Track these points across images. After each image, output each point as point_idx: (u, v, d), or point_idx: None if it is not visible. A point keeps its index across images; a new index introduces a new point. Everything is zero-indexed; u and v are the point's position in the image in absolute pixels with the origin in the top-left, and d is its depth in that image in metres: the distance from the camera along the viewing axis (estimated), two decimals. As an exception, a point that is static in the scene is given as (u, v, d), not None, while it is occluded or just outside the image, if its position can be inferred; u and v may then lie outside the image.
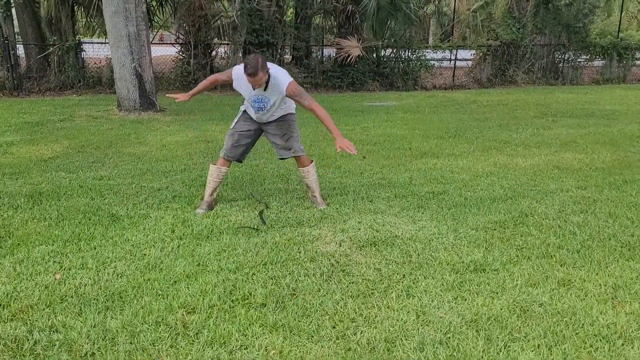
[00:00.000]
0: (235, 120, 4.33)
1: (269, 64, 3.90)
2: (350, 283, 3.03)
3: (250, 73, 3.69)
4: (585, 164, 5.88)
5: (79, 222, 3.87)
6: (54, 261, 3.24)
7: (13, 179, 4.95)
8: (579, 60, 15.84)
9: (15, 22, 11.97)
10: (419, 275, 3.12)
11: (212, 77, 4.26)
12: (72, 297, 2.82)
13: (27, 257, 3.29)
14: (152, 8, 12.53)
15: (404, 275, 3.12)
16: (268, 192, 4.69)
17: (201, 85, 4.32)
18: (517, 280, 3.07)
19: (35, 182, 4.84)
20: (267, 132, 4.33)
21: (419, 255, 3.39)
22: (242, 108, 4.32)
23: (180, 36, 11.93)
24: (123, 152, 6.19)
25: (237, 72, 3.97)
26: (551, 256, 3.41)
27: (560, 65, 15.72)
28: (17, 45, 11.52)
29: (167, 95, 4.08)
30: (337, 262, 3.28)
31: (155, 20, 12.96)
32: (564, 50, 15.61)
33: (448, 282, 3.03)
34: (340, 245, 3.53)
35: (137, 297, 2.84)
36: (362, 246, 3.52)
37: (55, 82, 11.21)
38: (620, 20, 18.18)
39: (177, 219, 3.98)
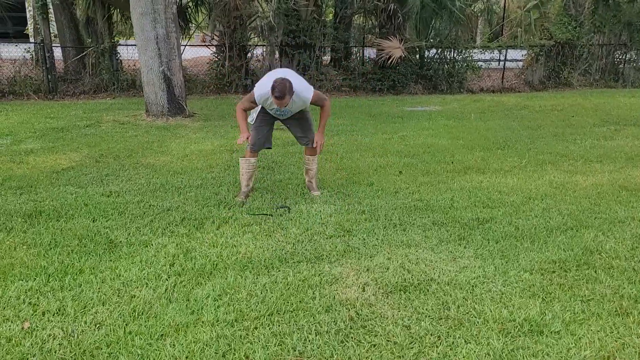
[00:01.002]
0: (255, 116, 4.66)
1: (290, 75, 4.23)
2: (371, 346, 2.45)
3: (278, 97, 3.98)
4: (658, 184, 5.08)
5: (71, 251, 3.44)
6: (30, 302, 2.80)
7: (17, 194, 4.60)
8: (642, 60, 14.64)
9: (54, 24, 11.92)
10: (459, 337, 2.51)
11: (241, 111, 4.54)
12: (33, 356, 2.36)
13: (0, 296, 2.87)
14: (189, 9, 12.25)
15: (440, 336, 2.52)
16: (286, 215, 4.16)
17: (241, 119, 4.51)
18: (585, 350, 2.42)
19: (39, 199, 4.48)
20: (286, 123, 4.74)
21: (458, 307, 2.77)
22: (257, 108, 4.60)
23: (215, 37, 11.57)
24: (141, 162, 5.80)
25: (260, 95, 4.30)
26: (627, 313, 2.73)
27: (621, 66, 14.56)
28: (55, 48, 11.44)
29: (238, 142, 4.38)
30: (358, 314, 2.71)
31: (193, 21, 12.68)
32: (625, 51, 14.45)
33: (495, 349, 2.42)
34: (364, 290, 2.96)
35: (111, 357, 2.35)
36: (390, 292, 2.94)
37: (90, 85, 11.05)
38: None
39: (180, 248, 3.50)
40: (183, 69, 11.95)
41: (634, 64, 14.56)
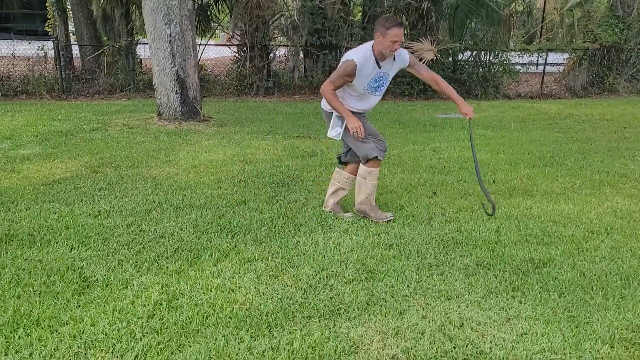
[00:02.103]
0: (339, 130, 3.98)
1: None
2: None
3: (400, 24, 3.58)
4: None
5: (34, 292, 2.82)
6: (-40, 371, 2.18)
7: (-6, 212, 4.03)
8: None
9: (72, 21, 11.51)
10: None
11: (333, 94, 3.80)
12: None
13: None
14: (210, 7, 11.70)
15: None
16: (299, 248, 3.48)
17: (338, 103, 3.81)
18: None
19: (16, 218, 3.89)
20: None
21: (521, 403, 2.05)
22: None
23: (236, 37, 10.98)
24: (143, 174, 5.19)
25: (360, 58, 3.63)
26: None
27: (672, 72, 13.49)
28: (72, 46, 11.01)
29: (353, 131, 3.76)
30: (383, 408, 2.02)
31: (214, 19, 12.12)
32: (678, 55, 13.37)
33: None
34: (392, 367, 2.26)
35: None
36: (426, 371, 2.23)
37: (104, 85, 10.57)
38: None
39: (165, 292, 2.85)
40: (203, 69, 11.42)
41: (686, 70, 13.48)
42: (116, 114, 8.50)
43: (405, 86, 11.65)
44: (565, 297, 2.88)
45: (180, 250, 3.41)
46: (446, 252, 3.45)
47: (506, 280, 3.06)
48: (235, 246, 3.49)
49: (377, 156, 3.90)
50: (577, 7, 12.75)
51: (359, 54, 3.67)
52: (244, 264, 3.23)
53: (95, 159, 5.72)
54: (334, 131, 4.00)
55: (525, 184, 5.11)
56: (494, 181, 5.17)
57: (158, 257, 3.30)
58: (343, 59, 3.76)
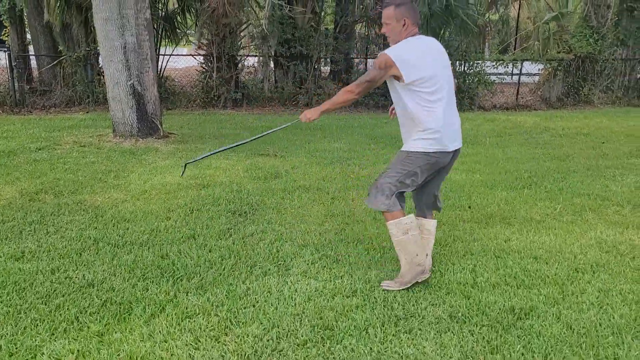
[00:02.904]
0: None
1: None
2: None
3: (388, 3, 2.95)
4: None
5: None
6: None
7: None
8: (669, 77, 13.50)
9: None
10: None
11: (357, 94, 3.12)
12: None
13: None
14: (176, 15, 11.20)
15: None
16: (248, 297, 3.02)
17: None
18: None
19: None
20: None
21: None
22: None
23: (202, 46, 10.50)
24: (85, 202, 4.69)
25: (400, 50, 2.93)
26: None
27: (646, 83, 13.43)
28: (29, 56, 10.40)
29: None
30: None
31: (181, 28, 11.63)
32: (651, 66, 13.32)
33: None
34: None
35: None
36: None
37: (61, 98, 9.98)
38: None
39: (79, 364, 2.37)
40: (168, 80, 10.91)
41: (660, 81, 13.44)
42: (69, 130, 7.94)
43: (379, 97, 11.30)
44: (551, 359, 2.48)
45: (108, 303, 2.93)
46: (416, 301, 3.04)
47: (484, 338, 2.65)
48: (175, 296, 3.02)
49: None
50: (554, 20, 12.59)
51: (403, 44, 3.01)
52: (182, 321, 2.76)
53: (35, 184, 5.18)
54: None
55: (502, 209, 4.74)
56: (469, 207, 4.79)
57: (81, 313, 2.82)
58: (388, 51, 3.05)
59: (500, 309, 2.94)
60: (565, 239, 4.05)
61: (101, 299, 2.96)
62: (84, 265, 3.40)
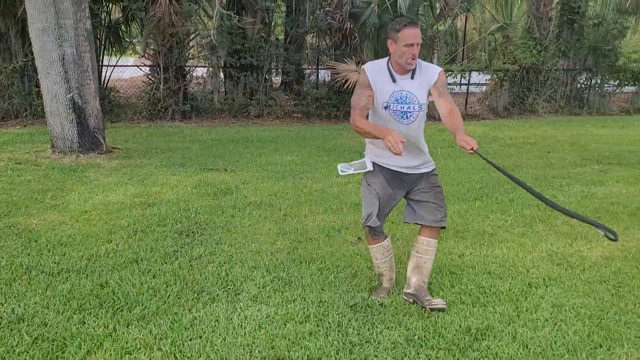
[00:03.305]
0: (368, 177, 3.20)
1: None
2: None
3: (412, 22, 2.87)
4: (680, 255, 4.04)
5: None
6: None
7: None
8: (607, 86, 14.08)
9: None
10: None
11: (362, 119, 2.95)
12: None
13: None
14: (120, 25, 10.83)
15: None
16: (194, 328, 2.84)
17: (370, 125, 2.94)
18: None
19: None
20: (415, 190, 3.18)
21: None
22: (367, 163, 3.16)
23: (148, 57, 10.17)
24: (18, 225, 4.36)
25: (371, 66, 3.02)
26: None
27: (585, 92, 13.95)
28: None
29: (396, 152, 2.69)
30: None
31: (126, 38, 11.25)
32: (590, 76, 13.86)
33: None
34: None
35: None
36: None
37: (-4, 111, 9.43)
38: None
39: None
40: (112, 91, 10.52)
41: (599, 90, 13.99)
42: (4, 146, 7.49)
43: (331, 108, 11.25)
44: (509, 384, 2.42)
45: (40, 340, 2.68)
46: (372, 324, 2.93)
47: (441, 362, 2.57)
48: (115, 329, 2.80)
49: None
50: (499, 30, 12.92)
51: (370, 64, 3.05)
52: (122, 358, 2.56)
53: (-37, 207, 4.81)
54: (342, 167, 3.21)
55: (456, 222, 4.72)
56: (423, 221, 4.74)
57: (8, 353, 2.56)
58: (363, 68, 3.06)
59: (456, 330, 2.87)
60: (518, 252, 4.05)
61: (32, 336, 2.71)
62: (14, 297, 3.13)
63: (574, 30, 13.32)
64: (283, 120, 10.79)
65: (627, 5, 14.12)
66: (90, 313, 2.97)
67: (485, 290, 3.39)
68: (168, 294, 3.22)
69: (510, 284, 3.47)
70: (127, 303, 3.09)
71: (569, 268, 3.76)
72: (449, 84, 13.29)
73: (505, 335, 2.83)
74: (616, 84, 14.04)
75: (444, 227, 3.23)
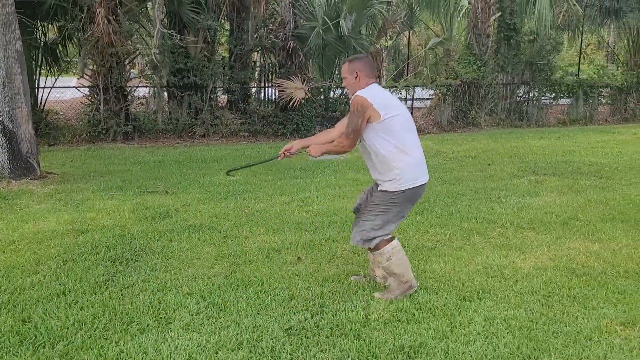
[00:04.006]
0: None
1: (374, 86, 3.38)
2: None
3: (350, 59, 3.48)
4: (607, 262, 4.19)
5: None
6: None
7: None
8: (544, 99, 14.68)
9: None
10: None
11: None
12: None
13: None
14: (58, 44, 10.52)
15: None
16: None
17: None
18: None
19: None
20: None
21: None
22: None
23: (87, 78, 9.90)
24: (-63, 260, 4.11)
25: (371, 91, 3.32)
26: None
27: (524, 105, 14.49)
28: None
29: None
30: None
31: (64, 59, 10.94)
32: (528, 89, 14.42)
33: None
34: None
35: None
36: None
37: None
38: (579, 57, 17.35)
39: None
40: (51, 113, 10.18)
41: (536, 103, 14.56)
42: None
43: (278, 126, 11.25)
44: (439, 402, 2.43)
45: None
46: (306, 347, 2.89)
47: (373, 384, 2.56)
48: (34, 369, 2.65)
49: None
50: (439, 45, 13.29)
51: (371, 89, 3.39)
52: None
53: None
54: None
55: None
56: (363, 238, 4.76)
57: None
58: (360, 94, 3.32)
59: (390, 349, 2.87)
60: (454, 266, 4.11)
61: (-60, 382, 2.53)
62: None
63: (511, 46, 13.85)
64: (229, 140, 10.69)
65: (559, 22, 14.79)
66: (9, 351, 2.81)
67: (421, 306, 3.41)
68: (95, 327, 3.08)
69: (446, 298, 3.51)
70: (50, 338, 2.94)
71: (502, 280, 3.84)
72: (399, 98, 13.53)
73: (438, 352, 2.85)
74: (552, 96, 14.65)
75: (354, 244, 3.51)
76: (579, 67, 16.32)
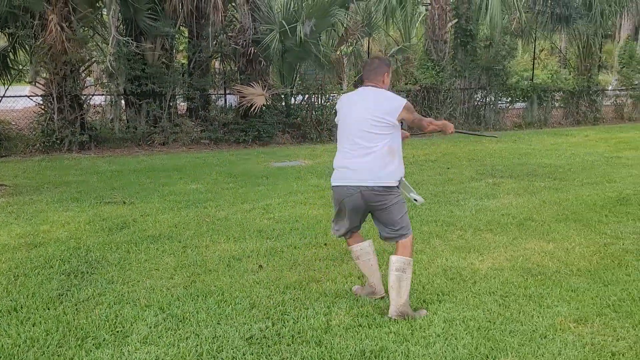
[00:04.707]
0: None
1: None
2: None
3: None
4: (561, 261, 4.32)
5: None
6: None
7: None
8: (500, 103, 15.05)
9: None
10: None
11: None
12: None
13: None
14: (8, 52, 10.18)
15: None
16: None
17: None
18: None
19: None
20: None
21: None
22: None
23: (39, 86, 9.61)
24: None
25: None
26: None
27: (482, 109, 14.82)
28: None
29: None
30: None
31: (15, 67, 10.58)
32: (485, 94, 14.76)
33: None
34: None
35: None
36: None
37: None
38: (533, 63, 17.88)
39: None
40: (2, 123, 9.84)
41: (493, 107, 14.91)
42: None
43: (239, 133, 11.15)
44: (400, 405, 2.44)
45: None
46: (267, 356, 2.87)
47: (334, 390, 2.55)
48: None
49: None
50: (399, 53, 13.48)
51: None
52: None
53: None
54: (414, 195, 3.61)
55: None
56: (325, 244, 4.77)
57: None
58: (401, 102, 3.51)
59: (351, 355, 2.87)
60: (415, 269, 4.14)
61: None
62: None
63: (468, 52, 14.16)
64: (190, 148, 10.55)
65: (512, 29, 15.21)
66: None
67: (382, 310, 3.43)
68: (48, 343, 2.98)
69: (406, 302, 3.54)
70: (1, 357, 2.82)
71: (461, 281, 3.91)
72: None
73: (399, 356, 2.87)
74: (508, 100, 15.03)
75: None
76: (533, 72, 16.80)
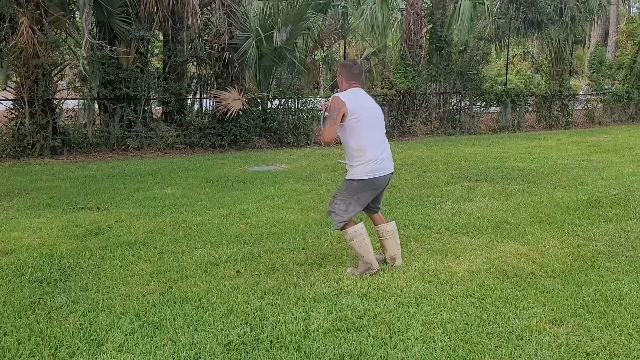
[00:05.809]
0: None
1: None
2: None
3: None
4: (536, 263, 4.38)
5: None
6: None
7: None
8: (475, 108, 15.26)
9: None
10: None
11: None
12: None
13: None
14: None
15: None
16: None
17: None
18: None
19: None
20: None
21: None
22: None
23: (10, 90, 9.40)
24: None
25: (348, 95, 3.93)
26: None
27: (457, 114, 15.01)
28: None
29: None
30: None
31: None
32: (460, 98, 14.95)
33: None
34: None
35: None
36: None
37: None
38: (507, 68, 18.19)
39: None
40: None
41: (468, 111, 15.11)
42: None
43: (215, 137, 11.09)
44: (379, 409, 2.44)
45: None
46: (245, 362, 2.84)
47: (313, 396, 2.54)
48: None
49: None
50: (373, 56, 13.56)
51: (345, 94, 3.95)
52: None
53: None
54: None
55: (335, 248, 4.79)
56: (303, 248, 4.76)
57: None
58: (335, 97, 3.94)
59: (330, 359, 2.86)
60: (393, 272, 4.17)
61: None
62: None
63: (443, 57, 14.34)
64: (165, 152, 10.44)
65: (485, 34, 15.45)
66: None
67: (360, 314, 3.43)
68: (20, 353, 2.91)
69: (385, 305, 3.55)
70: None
71: (439, 284, 3.93)
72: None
73: (377, 359, 2.87)
74: (483, 105, 15.25)
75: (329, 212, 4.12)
76: (506, 77, 17.09)
